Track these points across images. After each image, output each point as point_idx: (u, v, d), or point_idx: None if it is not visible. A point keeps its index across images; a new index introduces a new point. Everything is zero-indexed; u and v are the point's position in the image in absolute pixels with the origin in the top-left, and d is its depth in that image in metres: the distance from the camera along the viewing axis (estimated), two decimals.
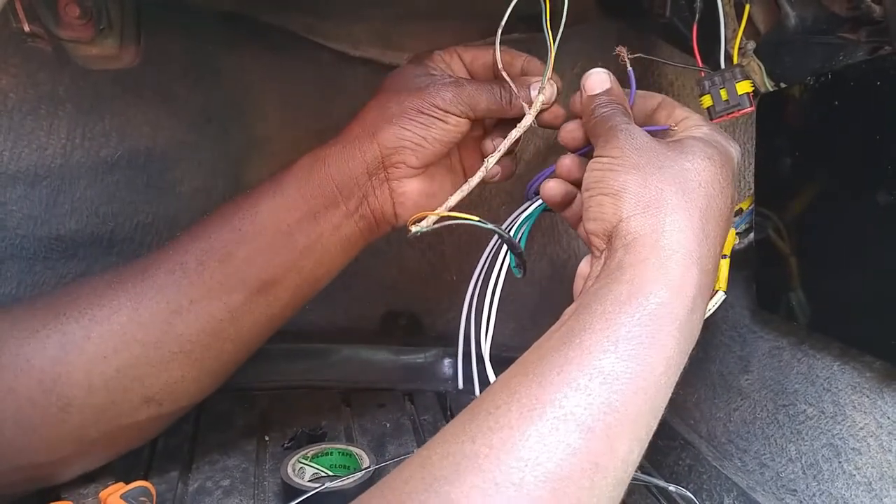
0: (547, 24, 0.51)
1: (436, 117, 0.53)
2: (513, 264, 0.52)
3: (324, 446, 0.63)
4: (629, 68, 0.50)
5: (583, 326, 0.37)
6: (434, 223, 0.50)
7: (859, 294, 0.49)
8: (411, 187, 0.56)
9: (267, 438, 0.68)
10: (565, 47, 0.54)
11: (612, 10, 0.72)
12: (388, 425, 0.72)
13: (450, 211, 0.52)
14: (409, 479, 0.34)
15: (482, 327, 0.51)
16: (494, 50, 0.55)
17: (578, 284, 0.45)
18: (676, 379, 0.38)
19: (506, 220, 0.54)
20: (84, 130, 0.70)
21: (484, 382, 0.51)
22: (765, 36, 0.54)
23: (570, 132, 0.51)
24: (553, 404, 0.34)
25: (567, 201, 0.51)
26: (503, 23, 0.52)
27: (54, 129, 0.69)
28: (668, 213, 0.40)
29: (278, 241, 0.54)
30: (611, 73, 0.49)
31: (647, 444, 0.36)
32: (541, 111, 0.54)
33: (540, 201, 0.53)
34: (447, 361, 0.84)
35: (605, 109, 0.46)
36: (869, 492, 0.48)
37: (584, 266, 0.45)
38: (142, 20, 0.70)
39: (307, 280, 0.56)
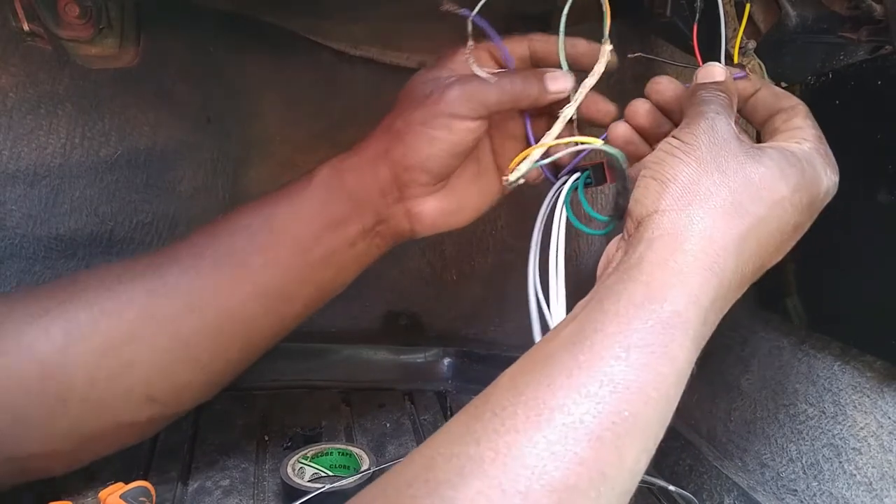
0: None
1: (440, 128, 0.50)
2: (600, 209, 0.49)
3: (323, 446, 0.63)
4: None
5: (594, 327, 0.36)
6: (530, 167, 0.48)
7: (860, 293, 0.49)
8: (428, 206, 0.54)
9: (267, 438, 0.68)
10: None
11: (613, 9, 0.72)
12: (387, 425, 0.72)
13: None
14: (412, 482, 0.33)
15: (551, 290, 0.46)
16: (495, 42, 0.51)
17: (602, 264, 0.43)
18: (683, 388, 0.37)
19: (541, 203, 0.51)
20: (84, 130, 0.70)
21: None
22: (765, 35, 0.54)
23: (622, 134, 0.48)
24: (562, 410, 0.33)
25: (633, 151, 0.48)
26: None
27: (54, 129, 0.69)
28: (704, 218, 0.37)
29: (295, 253, 0.53)
30: (728, 71, 0.46)
31: (653, 454, 0.35)
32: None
33: (576, 175, 0.51)
34: (447, 361, 0.84)
35: (708, 95, 0.43)
36: (869, 492, 0.48)
37: (611, 246, 0.43)
38: (142, 20, 0.70)
39: (321, 292, 0.56)
